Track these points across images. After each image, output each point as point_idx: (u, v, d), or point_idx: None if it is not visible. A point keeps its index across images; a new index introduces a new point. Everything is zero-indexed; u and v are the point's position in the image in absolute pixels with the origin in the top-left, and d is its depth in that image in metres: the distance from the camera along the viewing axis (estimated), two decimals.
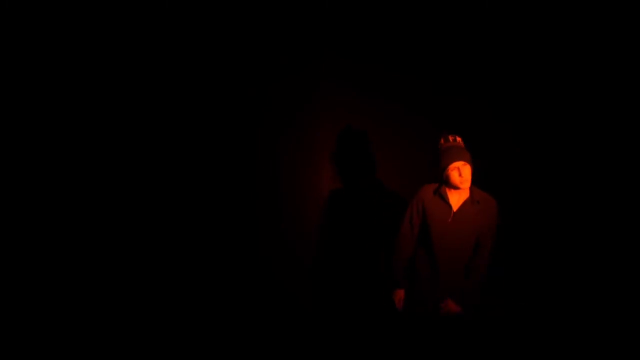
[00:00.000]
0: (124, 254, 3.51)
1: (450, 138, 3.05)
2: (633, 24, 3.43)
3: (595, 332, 3.41)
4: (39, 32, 3.40)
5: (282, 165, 3.73)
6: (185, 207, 3.60)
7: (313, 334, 3.69)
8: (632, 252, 3.44)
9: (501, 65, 3.64)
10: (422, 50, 3.69)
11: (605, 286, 3.48)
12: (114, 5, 3.46)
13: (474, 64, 3.67)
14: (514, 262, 3.63)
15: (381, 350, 3.45)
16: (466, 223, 3.05)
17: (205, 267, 3.62)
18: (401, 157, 3.79)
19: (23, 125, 3.41)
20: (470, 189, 3.07)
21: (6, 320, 3.33)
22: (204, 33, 3.59)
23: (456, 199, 3.08)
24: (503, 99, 3.65)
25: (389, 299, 3.24)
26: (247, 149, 3.69)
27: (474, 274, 3.08)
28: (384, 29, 3.70)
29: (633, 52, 3.45)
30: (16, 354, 3.30)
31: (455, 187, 3.05)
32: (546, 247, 3.62)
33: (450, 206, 3.07)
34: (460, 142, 3.05)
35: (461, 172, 3.00)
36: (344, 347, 3.65)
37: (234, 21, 3.62)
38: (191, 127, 3.62)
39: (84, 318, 3.43)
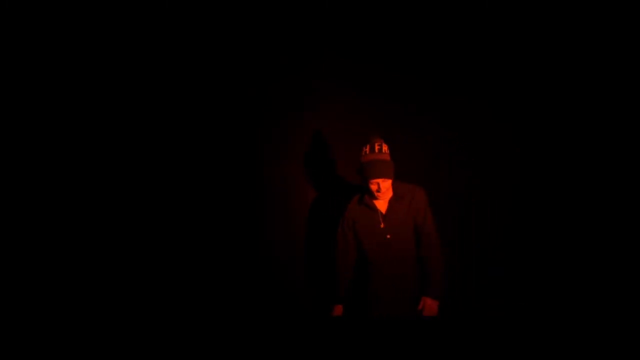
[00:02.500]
0: (122, 253, 3.51)
1: (377, 147, 3.06)
2: (633, 24, 3.43)
3: (596, 332, 3.41)
4: (39, 32, 3.40)
5: (281, 165, 3.73)
6: (181, 206, 3.60)
7: (311, 335, 3.68)
8: (632, 251, 3.44)
9: (501, 65, 3.64)
10: (422, 51, 3.69)
11: (605, 286, 3.47)
12: (114, 5, 3.46)
13: (474, 64, 3.67)
14: (514, 262, 3.63)
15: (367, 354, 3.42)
16: (398, 220, 3.08)
17: (200, 267, 3.61)
18: (401, 157, 3.78)
19: (23, 125, 3.41)
20: (393, 186, 3.08)
21: (6, 321, 3.33)
22: (204, 33, 3.59)
23: (382, 201, 3.10)
24: (503, 99, 3.65)
25: (329, 310, 3.24)
26: (246, 149, 3.69)
27: (431, 263, 3.06)
28: (384, 29, 3.69)
29: (633, 52, 3.45)
30: (16, 354, 3.30)
31: (374, 198, 3.10)
32: (546, 247, 3.61)
33: (377, 211, 3.11)
34: (385, 151, 3.06)
35: (380, 187, 3.03)
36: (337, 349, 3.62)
37: (234, 22, 3.62)
38: (191, 128, 3.62)
39: (94, 318, 3.43)
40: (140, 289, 3.51)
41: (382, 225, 3.10)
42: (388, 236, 3.10)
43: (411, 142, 3.72)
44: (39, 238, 3.41)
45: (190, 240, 3.60)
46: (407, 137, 3.74)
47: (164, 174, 3.59)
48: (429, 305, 3.04)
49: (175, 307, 3.54)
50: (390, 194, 3.11)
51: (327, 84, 3.73)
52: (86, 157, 3.51)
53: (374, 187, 3.04)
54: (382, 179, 3.02)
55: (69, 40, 3.44)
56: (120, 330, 3.43)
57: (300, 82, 3.71)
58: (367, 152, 3.07)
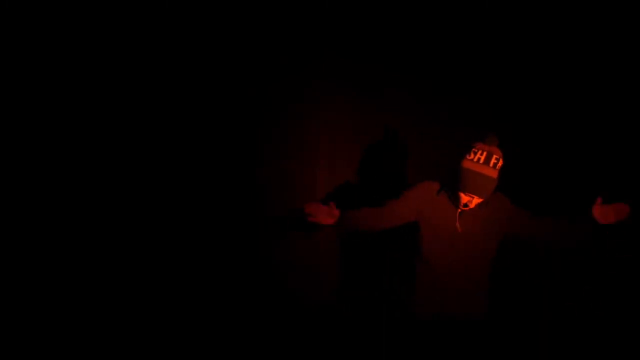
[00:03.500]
0: (118, 252, 3.51)
1: (493, 161, 2.54)
2: (633, 24, 3.43)
3: (595, 332, 3.41)
4: (39, 32, 3.41)
5: (281, 164, 3.73)
6: (180, 207, 3.60)
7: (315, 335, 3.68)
8: (633, 252, 3.44)
9: (501, 65, 3.64)
10: (422, 50, 3.69)
11: (605, 287, 3.47)
12: (113, 5, 3.47)
13: (474, 64, 3.67)
14: (514, 263, 3.63)
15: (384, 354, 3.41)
16: (479, 229, 2.64)
17: (198, 267, 3.60)
18: (401, 157, 3.78)
19: (22, 125, 3.41)
20: None
21: (6, 321, 3.33)
22: (204, 33, 3.60)
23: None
24: (503, 99, 3.65)
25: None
26: (246, 149, 3.69)
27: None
28: (384, 29, 3.70)
29: (633, 52, 3.46)
30: (16, 354, 3.30)
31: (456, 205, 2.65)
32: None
33: (456, 211, 2.66)
34: (498, 168, 2.56)
35: (472, 203, 2.59)
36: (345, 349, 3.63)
37: (233, 22, 3.62)
38: (191, 128, 3.63)
39: (90, 318, 3.44)
40: (136, 288, 3.51)
41: (459, 230, 2.64)
42: (459, 243, 2.65)
43: (411, 142, 3.73)
44: (30, 238, 3.41)
45: (188, 241, 3.59)
46: (406, 137, 3.75)
47: (163, 175, 3.59)
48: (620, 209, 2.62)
49: (171, 307, 3.54)
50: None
51: (327, 84, 3.73)
52: (84, 155, 3.51)
53: (464, 200, 2.58)
54: (478, 197, 2.56)
55: (69, 39, 3.45)
56: (117, 330, 3.44)
57: (301, 82, 3.71)
58: (481, 161, 2.54)
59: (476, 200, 2.59)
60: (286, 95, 3.70)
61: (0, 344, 3.29)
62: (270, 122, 3.71)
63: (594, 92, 3.54)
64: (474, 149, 2.59)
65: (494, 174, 2.55)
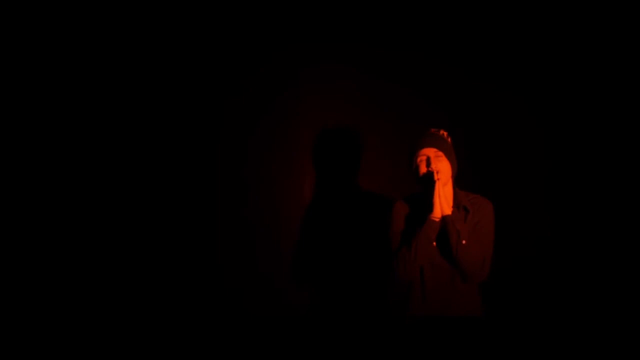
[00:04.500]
0: (107, 251, 3.51)
1: (432, 129, 2.57)
2: (633, 24, 3.42)
3: (595, 333, 3.41)
4: (39, 32, 3.43)
5: (278, 166, 3.73)
6: (175, 206, 3.60)
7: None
8: (633, 253, 3.43)
9: (501, 65, 3.64)
10: (422, 50, 3.69)
11: (605, 287, 3.47)
12: (113, 5, 3.48)
13: (474, 64, 3.67)
14: (513, 263, 3.63)
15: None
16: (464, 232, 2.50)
17: (178, 271, 3.59)
18: (401, 158, 3.77)
19: (22, 125, 3.43)
20: (454, 192, 2.57)
21: (6, 321, 3.35)
22: (203, 33, 3.61)
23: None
24: (503, 98, 3.65)
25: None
26: (245, 150, 3.70)
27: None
28: (384, 29, 3.70)
29: (634, 52, 3.45)
30: (16, 354, 3.32)
31: (425, 183, 2.39)
32: (546, 248, 3.61)
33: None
34: (443, 133, 2.56)
35: (431, 163, 2.40)
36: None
37: (233, 22, 3.63)
38: (191, 129, 3.64)
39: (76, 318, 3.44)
40: (128, 288, 3.52)
41: (434, 243, 2.45)
42: (439, 258, 2.52)
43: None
44: (29, 238, 3.42)
45: (177, 239, 3.59)
46: (407, 137, 3.74)
47: (156, 174, 3.59)
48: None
49: (155, 311, 3.53)
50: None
51: (327, 83, 3.74)
52: (79, 154, 3.52)
53: (423, 165, 2.40)
54: (434, 150, 2.40)
55: (62, 38, 3.46)
56: (111, 330, 3.45)
57: (300, 82, 3.72)
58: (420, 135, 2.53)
59: (437, 162, 2.44)
60: (285, 95, 3.71)
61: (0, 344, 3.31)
62: (269, 122, 3.71)
63: (595, 92, 3.54)
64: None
65: (439, 134, 2.54)
